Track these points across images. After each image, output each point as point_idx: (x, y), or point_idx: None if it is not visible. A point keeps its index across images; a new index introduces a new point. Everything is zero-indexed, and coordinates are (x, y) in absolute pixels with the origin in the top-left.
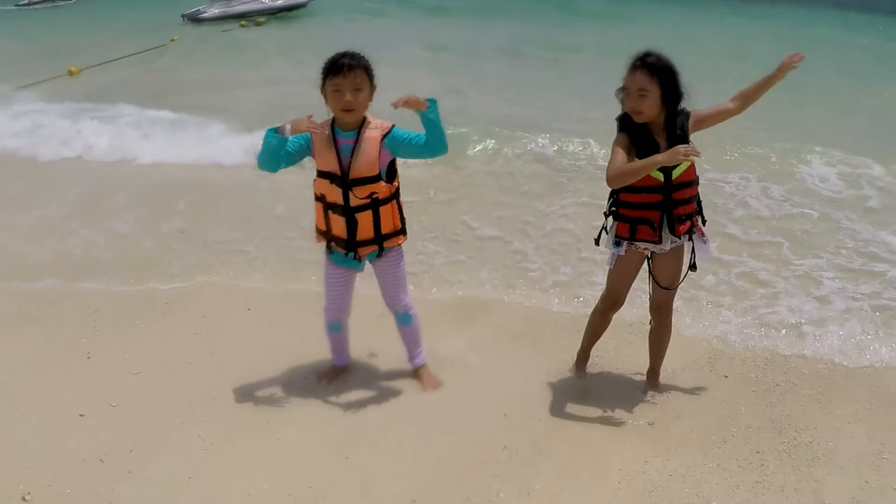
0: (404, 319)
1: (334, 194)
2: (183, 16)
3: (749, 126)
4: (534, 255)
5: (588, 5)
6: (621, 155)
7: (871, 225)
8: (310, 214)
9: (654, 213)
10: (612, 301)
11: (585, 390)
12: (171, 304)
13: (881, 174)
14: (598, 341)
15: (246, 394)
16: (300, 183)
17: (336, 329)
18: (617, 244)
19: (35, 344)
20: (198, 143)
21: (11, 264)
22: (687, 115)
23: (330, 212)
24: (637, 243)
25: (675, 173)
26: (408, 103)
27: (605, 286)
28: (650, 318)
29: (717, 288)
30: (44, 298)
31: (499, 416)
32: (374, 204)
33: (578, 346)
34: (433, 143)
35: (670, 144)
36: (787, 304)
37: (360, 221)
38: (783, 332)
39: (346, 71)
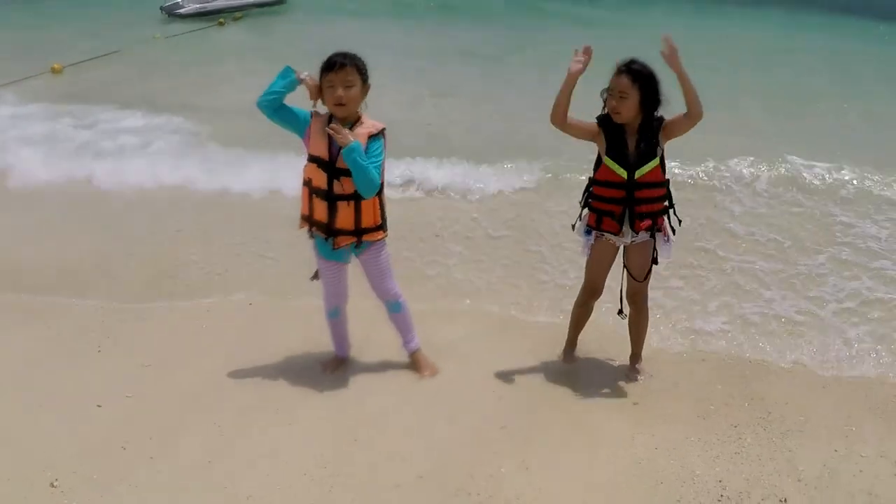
0: (395, 307)
1: (320, 179)
2: (161, 8)
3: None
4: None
5: (561, 7)
6: (582, 123)
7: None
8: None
9: (616, 206)
10: (590, 290)
11: (574, 375)
12: (175, 298)
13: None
14: (584, 330)
15: (254, 383)
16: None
17: (335, 315)
18: (587, 232)
19: (45, 339)
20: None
21: (13, 266)
22: (661, 122)
23: (314, 196)
24: (604, 233)
25: (639, 173)
26: (334, 132)
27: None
28: (628, 306)
29: (695, 278)
30: (50, 294)
31: (495, 400)
32: (356, 196)
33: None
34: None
35: (638, 147)
36: (762, 295)
37: (340, 210)
38: (757, 319)
39: (338, 68)
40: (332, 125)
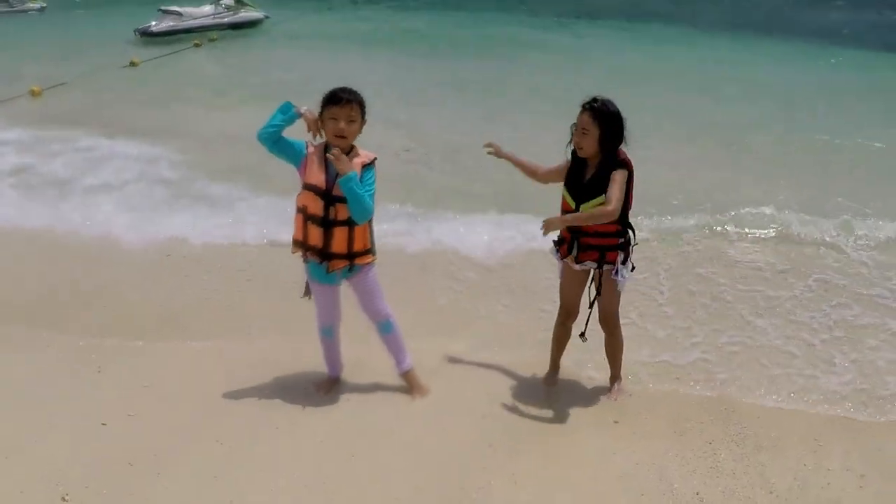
0: (386, 328)
1: (316, 206)
2: (136, 31)
3: None
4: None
5: (532, 36)
6: (555, 166)
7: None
8: None
9: (566, 233)
10: (565, 311)
11: (556, 395)
12: (170, 321)
13: None
14: (565, 353)
15: (253, 403)
16: None
17: (328, 334)
18: (554, 253)
19: (45, 360)
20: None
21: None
22: (624, 163)
23: (309, 223)
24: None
25: (584, 206)
26: (335, 158)
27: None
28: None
29: (666, 304)
30: (49, 316)
31: (480, 418)
32: (350, 222)
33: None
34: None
35: (590, 182)
36: (731, 316)
37: (335, 235)
38: (731, 344)
39: (343, 103)
40: (334, 151)
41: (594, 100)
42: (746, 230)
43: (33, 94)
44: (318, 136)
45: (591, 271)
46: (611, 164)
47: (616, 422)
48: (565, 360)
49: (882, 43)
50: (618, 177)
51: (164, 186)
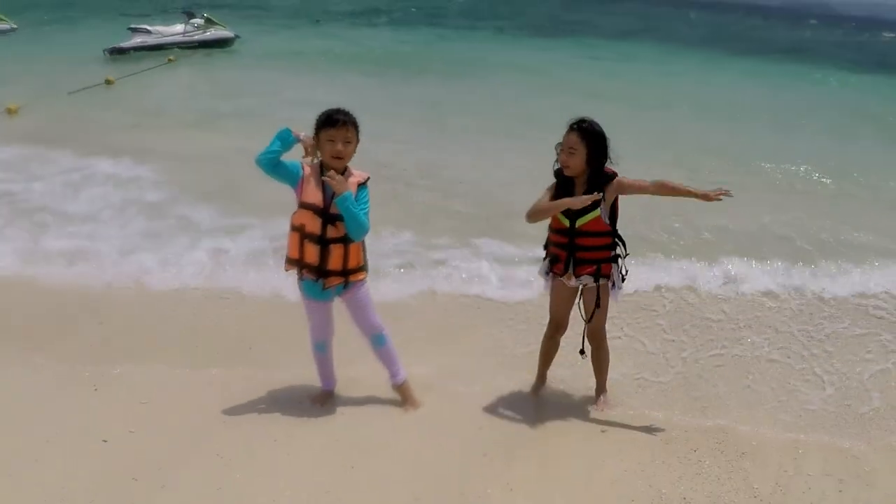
0: (379, 341)
1: (314, 225)
2: (105, 51)
3: None
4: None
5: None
6: (545, 197)
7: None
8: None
9: (562, 251)
10: (554, 325)
11: (545, 406)
12: (163, 337)
13: None
14: (553, 366)
15: (250, 417)
16: None
17: (321, 349)
18: (546, 273)
19: (41, 379)
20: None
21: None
22: (612, 177)
23: (306, 241)
24: (556, 275)
25: (580, 222)
26: (331, 179)
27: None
28: (590, 344)
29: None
30: (41, 333)
31: (475, 429)
32: (346, 240)
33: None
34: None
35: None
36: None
37: (332, 252)
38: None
39: (339, 125)
40: (331, 173)
41: (582, 120)
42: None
43: (9, 112)
44: (314, 159)
45: (580, 287)
46: (601, 180)
47: (603, 431)
48: (551, 373)
49: (852, 60)
50: (624, 179)
51: (146, 210)
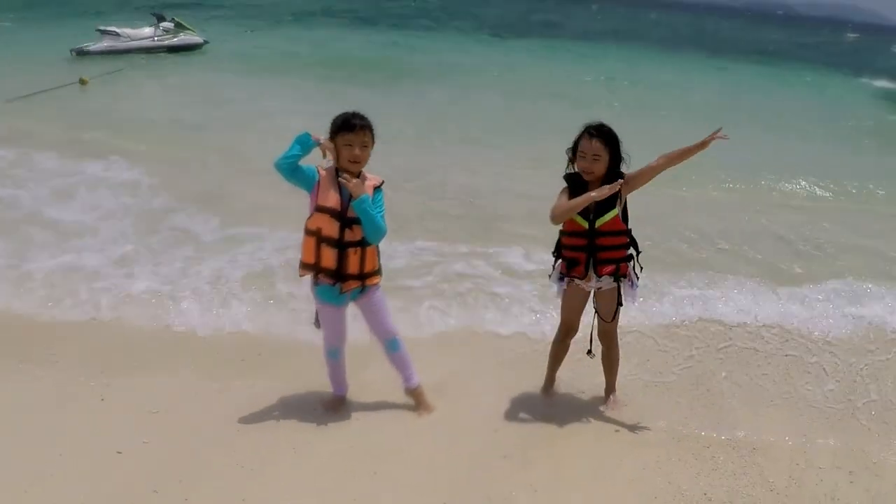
0: (393, 345)
1: (331, 228)
2: (72, 51)
3: None
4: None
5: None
6: (562, 198)
7: None
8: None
9: (581, 254)
10: (566, 329)
11: (558, 407)
12: (170, 346)
13: None
14: (563, 367)
15: (264, 425)
16: None
17: (334, 355)
18: (561, 279)
19: (44, 389)
20: None
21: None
22: (622, 176)
23: (322, 244)
24: (574, 279)
25: (599, 222)
26: (348, 182)
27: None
28: (600, 345)
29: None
30: (43, 343)
31: (491, 432)
32: (363, 243)
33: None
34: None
35: (600, 200)
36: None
37: (349, 256)
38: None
39: (357, 130)
40: (347, 176)
41: (601, 126)
42: None
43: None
44: (332, 160)
45: (592, 291)
46: (614, 180)
47: (617, 430)
48: (560, 374)
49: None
50: (630, 173)
51: (138, 215)
